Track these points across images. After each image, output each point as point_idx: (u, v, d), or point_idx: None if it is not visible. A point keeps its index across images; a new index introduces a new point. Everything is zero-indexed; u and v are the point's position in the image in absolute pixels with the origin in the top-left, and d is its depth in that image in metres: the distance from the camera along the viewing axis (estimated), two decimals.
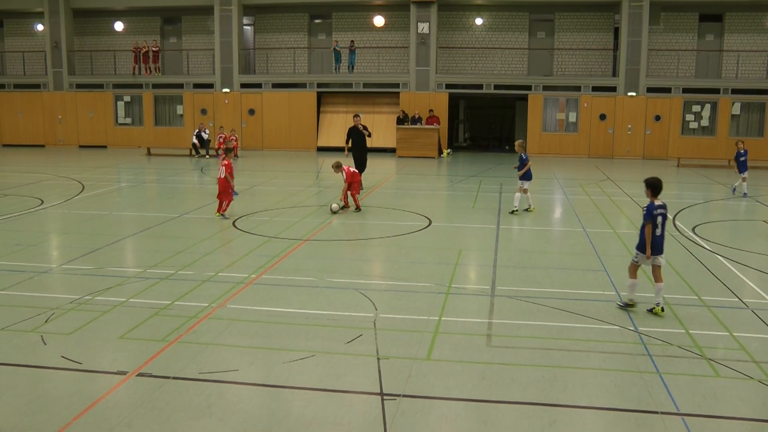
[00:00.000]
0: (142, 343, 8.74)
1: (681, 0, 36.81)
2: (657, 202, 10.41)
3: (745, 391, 7.74)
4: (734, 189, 23.72)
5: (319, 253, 14.04)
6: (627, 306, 10.58)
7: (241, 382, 7.74)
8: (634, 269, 10.55)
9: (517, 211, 18.66)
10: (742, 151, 23.22)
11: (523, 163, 18.68)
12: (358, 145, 23.39)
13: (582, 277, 12.48)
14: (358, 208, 18.65)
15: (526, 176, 18.70)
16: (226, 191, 17.70)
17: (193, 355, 8.36)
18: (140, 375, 7.80)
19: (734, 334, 9.54)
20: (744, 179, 22.90)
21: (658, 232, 10.32)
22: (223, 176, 17.56)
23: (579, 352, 8.82)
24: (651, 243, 10.25)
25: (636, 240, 10.67)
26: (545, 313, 10.29)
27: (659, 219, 10.29)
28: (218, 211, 17.74)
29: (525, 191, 18.82)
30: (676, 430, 6.85)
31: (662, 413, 7.16)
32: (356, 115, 23.90)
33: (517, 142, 19.30)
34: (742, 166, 22.89)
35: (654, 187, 10.56)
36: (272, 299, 10.76)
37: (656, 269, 10.41)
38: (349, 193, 18.60)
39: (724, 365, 8.42)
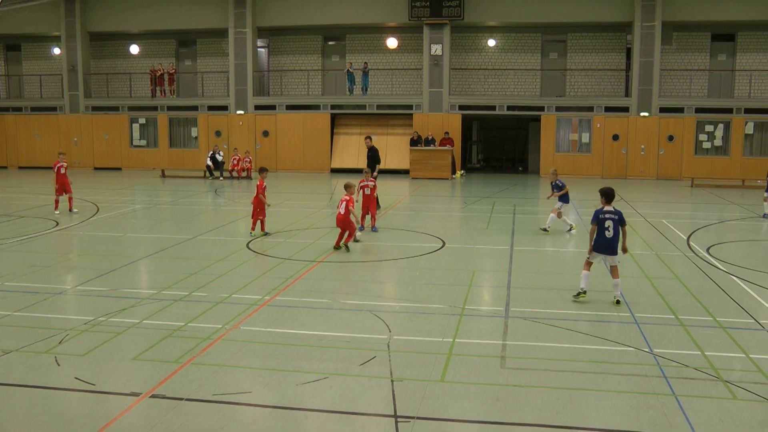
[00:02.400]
0: (155, 365, 8.75)
1: (693, 20, 36.81)
2: (607, 208, 11.76)
3: (762, 414, 7.67)
4: (765, 214, 22.69)
5: (333, 275, 14.05)
6: (579, 295, 12.03)
7: (255, 404, 7.73)
8: (587, 265, 12.12)
9: (548, 230, 18.94)
10: None
11: (560, 188, 19.17)
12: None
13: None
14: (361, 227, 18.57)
15: (564, 199, 19.08)
16: (261, 208, 18.15)
17: (207, 376, 8.36)
18: (153, 396, 7.80)
19: (751, 355, 9.46)
20: None
21: (609, 234, 11.65)
22: (257, 196, 18.20)
23: (594, 374, 8.76)
24: (601, 244, 11.70)
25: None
26: (560, 335, 10.24)
27: (608, 223, 11.63)
28: (261, 230, 18.37)
29: (560, 214, 18.88)
30: None
31: None
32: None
33: (550, 172, 19.75)
34: None
35: (606, 195, 11.99)
36: (286, 321, 10.75)
37: (612, 268, 11.93)
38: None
39: (741, 387, 8.34)
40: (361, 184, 18.99)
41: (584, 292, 12.02)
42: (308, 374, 8.49)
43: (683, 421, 7.42)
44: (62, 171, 22.00)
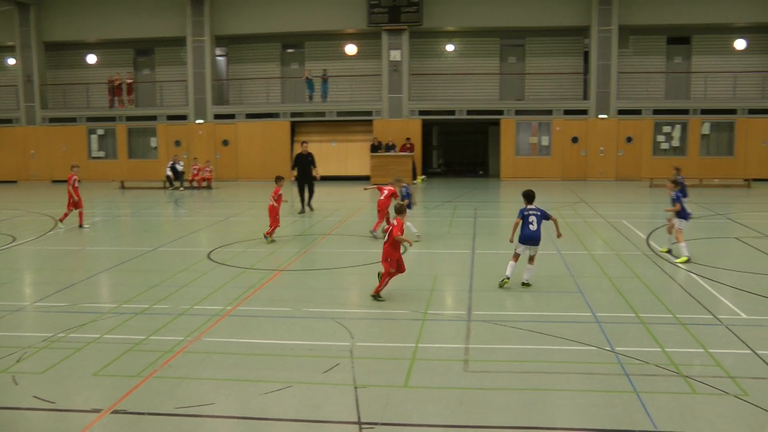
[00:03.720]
0: (116, 380, 8.66)
1: (649, 24, 37.35)
2: (530, 206, 13.43)
3: (721, 407, 7.84)
4: None
5: (295, 283, 14.02)
6: (503, 282, 13.31)
7: (218, 415, 7.70)
8: (515, 257, 13.43)
9: None
10: None
11: None
12: (303, 172, 24.47)
13: (558, 300, 12.54)
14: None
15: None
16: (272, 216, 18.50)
17: (169, 389, 8.30)
18: (115, 412, 7.72)
19: (710, 350, 9.64)
20: None
21: (534, 227, 13.24)
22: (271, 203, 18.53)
23: (557, 374, 8.84)
24: (527, 236, 13.22)
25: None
26: (522, 337, 10.33)
27: (532, 218, 13.25)
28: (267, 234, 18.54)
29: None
30: None
31: None
32: (304, 143, 25.19)
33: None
34: None
35: (527, 196, 13.64)
36: (248, 331, 10.71)
37: (532, 257, 13.53)
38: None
39: (701, 382, 8.50)
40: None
41: (508, 279, 13.37)
42: (271, 383, 8.47)
43: (645, 417, 7.53)
44: (76, 185, 21.52)
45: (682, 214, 16.45)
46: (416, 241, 18.02)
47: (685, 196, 20.03)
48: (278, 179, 19.10)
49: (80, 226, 21.39)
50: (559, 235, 13.80)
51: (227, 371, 8.95)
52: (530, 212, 13.35)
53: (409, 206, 18.33)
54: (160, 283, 13.84)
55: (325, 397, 8.08)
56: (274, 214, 18.52)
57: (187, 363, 9.21)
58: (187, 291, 13.24)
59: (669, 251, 16.78)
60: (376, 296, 12.52)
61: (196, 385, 8.48)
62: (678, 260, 15.92)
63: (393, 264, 12.54)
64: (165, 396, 8.12)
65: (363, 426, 7.36)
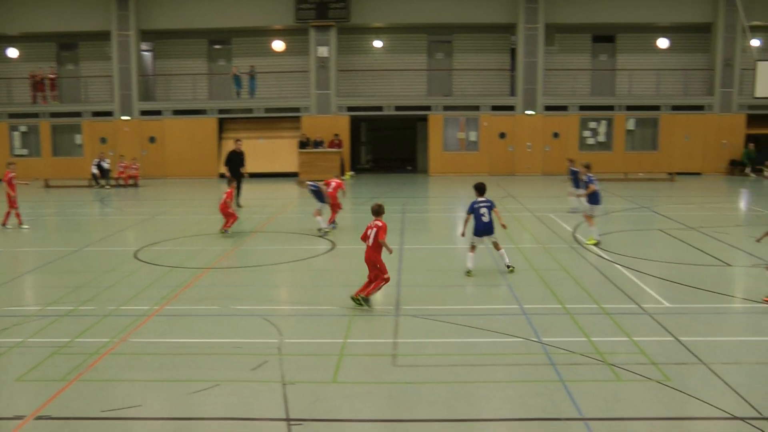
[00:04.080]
0: (40, 385, 8.52)
1: (574, 22, 38.03)
2: (480, 199, 14.00)
3: (645, 392, 8.12)
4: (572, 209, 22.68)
5: (223, 281, 13.96)
6: (468, 273, 13.91)
7: (146, 417, 7.66)
8: (472, 248, 14.18)
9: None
10: None
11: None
12: (234, 169, 24.84)
13: (486, 293, 12.75)
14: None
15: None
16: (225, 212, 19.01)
17: (95, 393, 8.20)
18: (39, 418, 7.60)
19: (634, 338, 9.95)
20: None
21: (486, 219, 13.89)
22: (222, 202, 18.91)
23: (484, 366, 9.01)
24: (481, 228, 13.92)
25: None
26: (450, 330, 10.47)
27: (483, 210, 13.86)
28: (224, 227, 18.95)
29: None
30: None
31: (566, 419, 7.42)
32: (237, 140, 25.89)
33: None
34: None
35: (478, 189, 14.22)
36: (176, 330, 10.64)
37: (495, 244, 14.36)
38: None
39: (625, 369, 8.77)
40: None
41: (470, 271, 13.99)
42: (199, 383, 8.44)
43: (571, 405, 7.74)
44: (14, 182, 20.82)
45: (594, 200, 17.28)
46: (320, 237, 18.38)
47: (576, 187, 20.59)
48: (230, 181, 20.22)
49: (3, 224, 20.77)
50: (504, 226, 14.67)
51: (155, 372, 8.89)
52: (481, 204, 13.92)
53: (322, 200, 18.87)
54: (86, 284, 13.62)
55: (254, 395, 8.10)
56: (225, 211, 18.87)
57: (113, 365, 9.12)
58: (113, 291, 13.06)
59: (597, 243, 17.19)
60: (365, 300, 11.60)
61: (123, 387, 8.40)
62: (588, 242, 17.10)
63: (384, 268, 11.80)
64: (91, 399, 8.02)
65: (291, 422, 7.40)
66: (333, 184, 19.26)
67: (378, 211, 12.03)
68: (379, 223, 11.75)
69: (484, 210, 13.90)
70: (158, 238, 18.56)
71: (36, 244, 18.84)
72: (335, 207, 19.43)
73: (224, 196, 19.03)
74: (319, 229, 18.88)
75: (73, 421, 7.50)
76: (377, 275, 11.77)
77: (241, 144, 25.89)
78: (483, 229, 14.00)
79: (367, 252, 11.75)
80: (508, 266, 14.20)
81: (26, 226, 20.71)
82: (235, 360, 9.24)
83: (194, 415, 7.65)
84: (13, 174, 20.98)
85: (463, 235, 14.30)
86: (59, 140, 39.81)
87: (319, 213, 18.94)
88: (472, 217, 14.09)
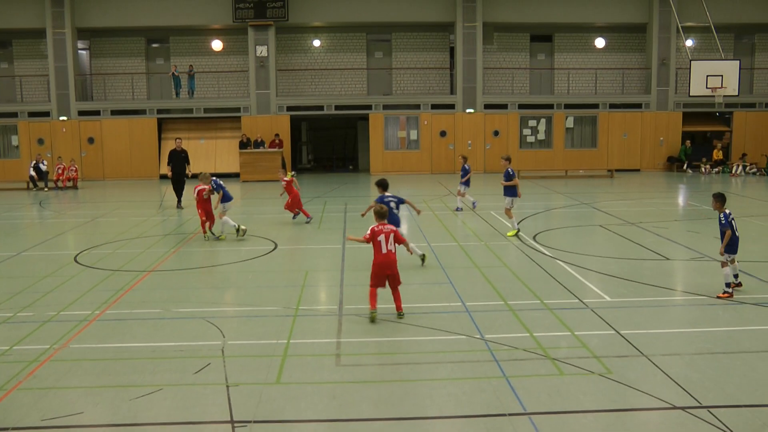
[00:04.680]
0: None
1: (512, 21, 38.54)
2: (387, 194, 14.44)
3: (587, 386, 8.28)
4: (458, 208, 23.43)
5: (165, 284, 13.84)
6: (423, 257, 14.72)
7: (87, 424, 7.55)
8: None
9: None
10: None
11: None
12: (176, 168, 24.96)
13: (428, 291, 12.84)
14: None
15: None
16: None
17: (35, 401, 8.06)
18: None
19: (576, 333, 10.15)
20: None
21: (396, 212, 14.09)
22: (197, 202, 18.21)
23: (427, 364, 9.09)
24: (389, 221, 13.14)
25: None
26: (393, 329, 10.55)
27: (392, 204, 14.06)
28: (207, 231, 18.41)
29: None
30: (525, 429, 7.21)
31: (510, 415, 7.53)
32: (178, 139, 26.01)
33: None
34: None
35: (381, 185, 14.70)
36: (117, 335, 10.51)
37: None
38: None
39: (567, 363, 8.94)
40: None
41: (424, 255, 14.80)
42: (142, 388, 8.37)
43: (514, 400, 7.86)
44: None
45: (513, 192, 18.18)
46: (222, 239, 18.31)
47: (467, 185, 20.96)
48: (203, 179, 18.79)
49: None
50: (418, 212, 15.35)
51: (96, 378, 8.78)
52: (389, 199, 14.30)
53: (226, 199, 18.56)
54: (24, 290, 13.37)
55: (197, 398, 8.06)
56: (201, 212, 18.27)
57: (53, 372, 8.97)
58: (53, 296, 12.85)
59: (517, 233, 18.04)
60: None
61: (63, 394, 8.28)
62: (509, 234, 17.89)
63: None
64: (30, 408, 7.89)
65: (236, 424, 7.39)
66: (284, 181, 20.65)
67: (383, 215, 11.45)
68: (392, 227, 11.29)
69: (393, 204, 14.23)
70: (99, 241, 18.32)
71: None
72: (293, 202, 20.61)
73: (196, 194, 18.16)
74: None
75: (12, 431, 7.38)
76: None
77: (182, 142, 25.83)
78: (391, 222, 13.74)
79: (392, 257, 11.04)
80: (420, 255, 14.86)
81: None
82: (177, 363, 9.17)
83: (137, 421, 7.58)
84: None
85: (363, 215, 15.57)
86: None
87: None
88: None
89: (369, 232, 11.13)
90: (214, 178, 18.66)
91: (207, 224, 18.34)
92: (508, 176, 18.46)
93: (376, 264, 11.02)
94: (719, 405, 7.70)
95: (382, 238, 10.98)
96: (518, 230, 18.23)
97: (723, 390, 8.10)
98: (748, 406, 7.70)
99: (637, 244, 16.94)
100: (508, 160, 18.82)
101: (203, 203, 18.07)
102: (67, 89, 38.00)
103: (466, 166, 22.74)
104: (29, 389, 8.43)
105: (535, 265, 14.79)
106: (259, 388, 8.29)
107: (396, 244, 11.18)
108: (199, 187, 18.11)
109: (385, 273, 10.98)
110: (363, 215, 15.71)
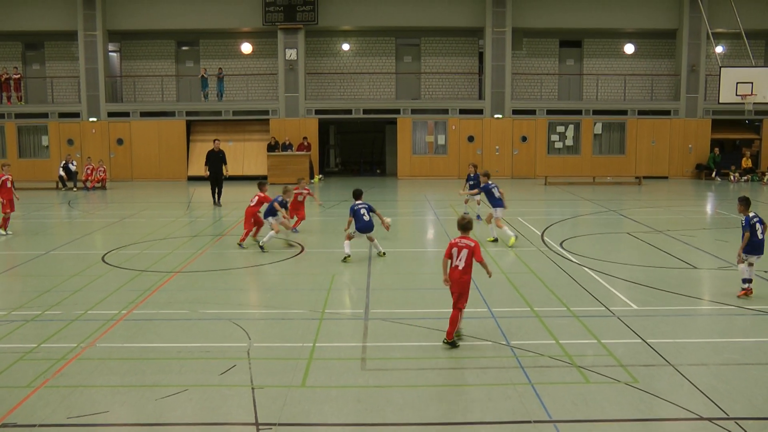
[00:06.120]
0: (5, 391, 8.39)
1: (541, 27, 38.37)
2: (359, 202, 16.14)
3: (612, 394, 8.19)
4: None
5: (192, 285, 13.88)
6: (345, 259, 15.73)
7: (113, 423, 7.59)
8: (348, 237, 16.12)
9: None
10: None
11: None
12: (213, 168, 25.43)
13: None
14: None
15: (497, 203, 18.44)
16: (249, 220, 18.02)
17: (61, 399, 8.11)
18: (3, 426, 7.50)
19: (602, 341, 10.05)
20: None
21: (366, 218, 15.87)
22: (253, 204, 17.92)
23: (453, 369, 9.06)
24: (362, 227, 15.90)
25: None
26: (419, 334, 10.49)
27: (363, 211, 15.90)
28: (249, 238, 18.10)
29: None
30: None
31: (535, 422, 7.47)
32: (216, 140, 26.52)
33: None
34: None
35: (355, 195, 16.54)
36: (144, 335, 10.56)
37: (369, 237, 16.24)
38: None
39: (593, 371, 8.85)
40: (296, 191, 19.61)
41: (349, 256, 15.79)
42: (167, 388, 8.39)
43: (540, 407, 7.80)
44: (9, 185, 19.82)
45: (498, 203, 18.17)
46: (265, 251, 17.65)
47: (477, 187, 20.70)
48: (261, 185, 18.44)
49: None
50: (386, 227, 17.22)
51: (122, 377, 8.82)
52: (360, 207, 16.02)
53: (284, 205, 17.78)
54: (52, 288, 13.48)
55: (222, 399, 8.07)
56: (249, 218, 17.93)
57: (80, 370, 9.02)
58: (80, 296, 12.94)
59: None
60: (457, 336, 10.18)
61: (89, 393, 8.32)
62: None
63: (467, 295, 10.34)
64: (57, 406, 7.93)
65: (260, 427, 7.38)
66: (256, 198, 17.96)
67: (466, 227, 10.42)
68: (471, 243, 10.13)
69: (363, 210, 15.97)
70: (126, 242, 18.43)
71: (1, 247, 18.59)
72: (248, 222, 18.23)
73: (256, 200, 17.86)
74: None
75: (38, 428, 7.42)
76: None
77: (219, 143, 26.47)
78: (364, 227, 15.98)
79: (458, 274, 10.09)
80: (381, 253, 16.39)
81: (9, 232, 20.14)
82: (203, 364, 9.19)
83: (162, 421, 7.60)
84: (9, 176, 20.04)
85: (347, 229, 16.32)
86: (25, 142, 39.37)
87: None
88: (356, 216, 16.00)
89: (448, 245, 10.31)
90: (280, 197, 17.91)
91: (254, 230, 18.12)
92: (477, 186, 19.73)
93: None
94: (747, 417, 7.60)
95: (454, 251, 10.12)
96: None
97: (750, 402, 7.99)
98: None
99: (665, 252, 16.78)
100: (486, 175, 19.17)
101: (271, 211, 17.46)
102: (97, 91, 38.31)
103: (475, 174, 21.90)
104: (56, 387, 8.47)
105: (561, 272, 14.69)
106: (284, 391, 8.28)
107: (476, 261, 10.12)
108: (297, 191, 19.68)
109: (451, 290, 10.19)
110: (346, 230, 16.53)
